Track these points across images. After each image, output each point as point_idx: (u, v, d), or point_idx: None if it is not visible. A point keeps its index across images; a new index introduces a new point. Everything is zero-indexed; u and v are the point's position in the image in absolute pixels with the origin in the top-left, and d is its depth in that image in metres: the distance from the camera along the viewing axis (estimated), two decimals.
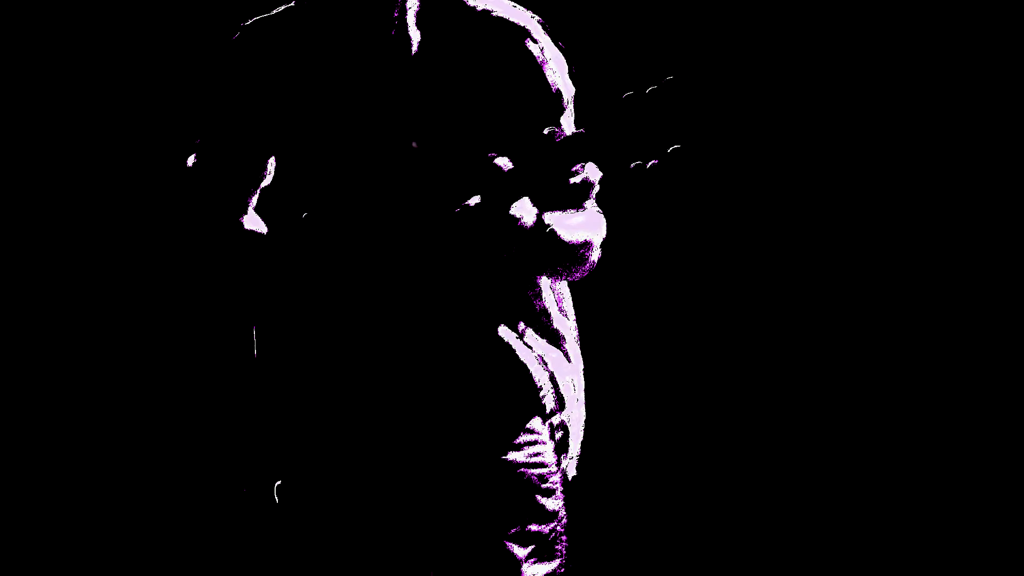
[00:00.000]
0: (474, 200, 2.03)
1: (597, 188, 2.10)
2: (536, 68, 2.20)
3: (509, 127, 2.17)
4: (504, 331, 2.27)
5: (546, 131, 1.99)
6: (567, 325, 2.40)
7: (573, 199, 2.06)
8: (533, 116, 2.16)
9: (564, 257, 2.21)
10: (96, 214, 4.48)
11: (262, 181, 2.35)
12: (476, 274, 2.23)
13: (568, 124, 2.25)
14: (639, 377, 4.45)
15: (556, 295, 2.38)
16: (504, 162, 2.01)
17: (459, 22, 2.21)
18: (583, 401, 2.39)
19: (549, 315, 2.35)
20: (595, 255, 2.27)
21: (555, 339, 2.35)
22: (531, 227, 2.06)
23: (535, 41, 2.22)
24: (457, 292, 2.23)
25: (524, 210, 2.04)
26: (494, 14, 2.21)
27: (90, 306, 4.49)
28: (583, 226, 2.22)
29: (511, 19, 2.22)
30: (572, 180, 2.01)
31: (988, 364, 4.38)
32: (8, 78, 4.43)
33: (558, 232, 2.15)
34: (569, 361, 2.37)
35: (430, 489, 2.23)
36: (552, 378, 2.32)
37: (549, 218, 2.10)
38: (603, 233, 2.28)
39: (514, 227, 2.02)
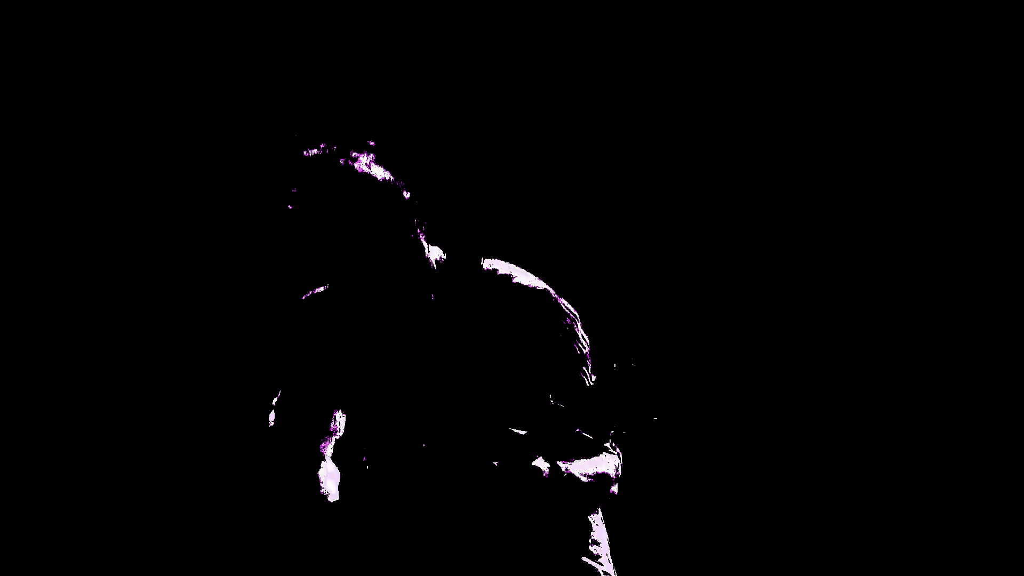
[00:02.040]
0: (495, 460, 2.33)
1: (610, 435, 2.42)
2: (556, 329, 2.48)
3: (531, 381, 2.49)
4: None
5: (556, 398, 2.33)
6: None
7: (590, 447, 2.42)
8: (559, 370, 2.49)
9: (585, 492, 2.44)
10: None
11: (335, 434, 2.63)
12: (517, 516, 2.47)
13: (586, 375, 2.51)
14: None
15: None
16: (520, 429, 2.33)
17: (478, 285, 2.51)
18: None
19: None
20: (614, 487, 2.53)
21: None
22: (548, 476, 2.35)
23: (554, 305, 2.51)
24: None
25: (540, 464, 2.34)
26: (514, 280, 2.51)
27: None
28: (597, 464, 2.47)
29: (530, 284, 2.51)
30: (586, 433, 2.35)
31: (988, 364, 4.39)
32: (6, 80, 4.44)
33: (576, 475, 2.41)
34: None
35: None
36: None
37: (566, 466, 2.39)
38: (618, 466, 2.54)
39: (535, 479, 2.33)
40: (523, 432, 2.31)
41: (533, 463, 2.31)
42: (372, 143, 2.45)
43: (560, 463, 2.38)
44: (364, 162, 2.42)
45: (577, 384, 2.45)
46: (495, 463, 2.31)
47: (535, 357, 2.46)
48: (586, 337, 2.52)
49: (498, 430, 2.34)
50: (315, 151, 2.42)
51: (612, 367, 2.26)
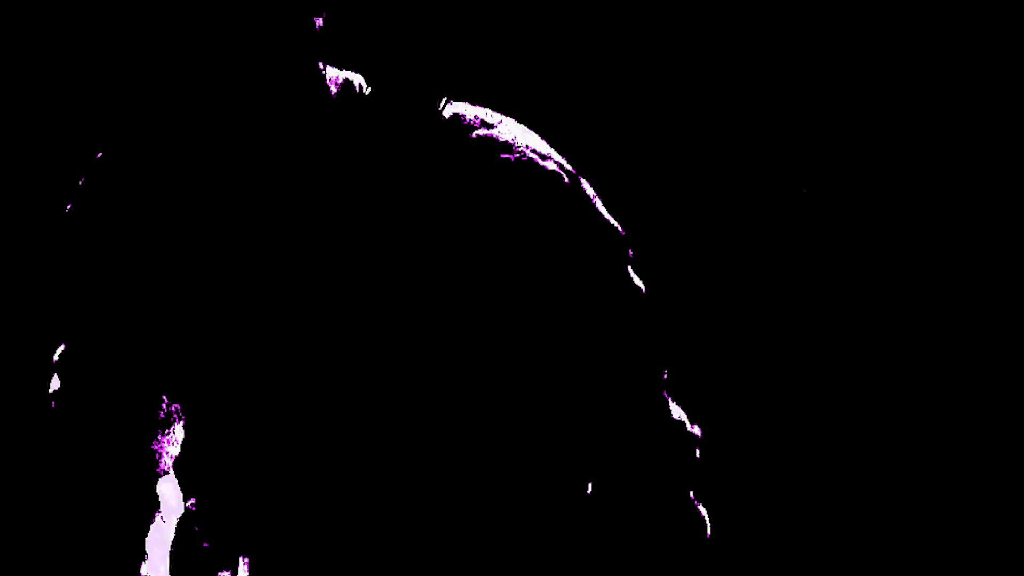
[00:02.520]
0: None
1: None
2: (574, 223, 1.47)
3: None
4: None
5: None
6: None
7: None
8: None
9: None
10: None
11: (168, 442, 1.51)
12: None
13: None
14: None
15: None
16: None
17: (444, 143, 1.44)
18: None
19: None
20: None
21: None
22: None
23: (572, 187, 1.48)
24: None
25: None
26: (500, 138, 1.44)
27: None
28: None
29: (528, 147, 1.46)
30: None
31: (988, 364, 4.38)
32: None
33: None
34: None
35: None
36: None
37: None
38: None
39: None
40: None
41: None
42: None
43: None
44: None
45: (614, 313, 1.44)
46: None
47: (541, 275, 1.42)
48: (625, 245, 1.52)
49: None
50: None
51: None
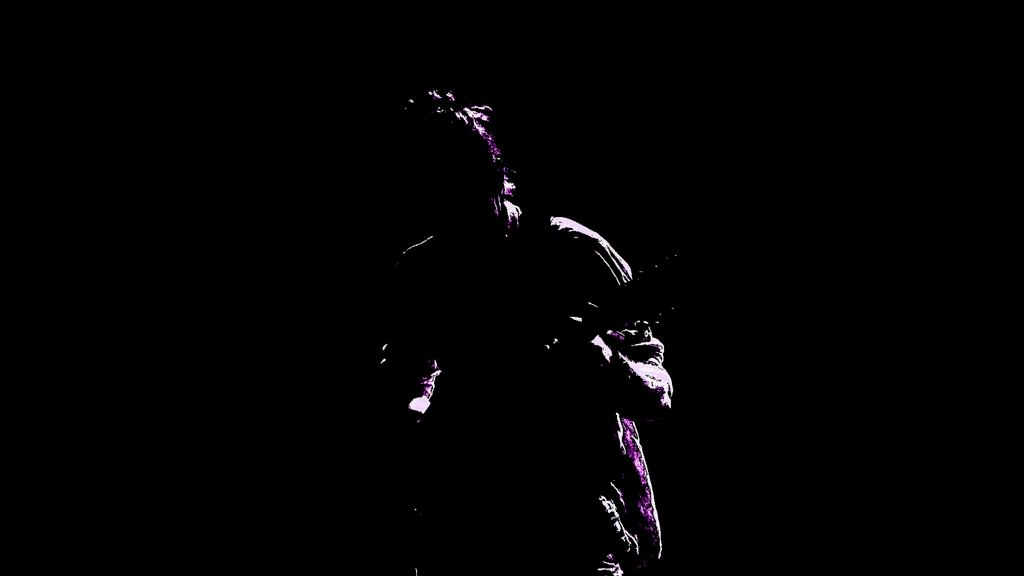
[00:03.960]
0: (556, 340, 2.70)
1: (662, 351, 2.85)
2: (603, 266, 2.91)
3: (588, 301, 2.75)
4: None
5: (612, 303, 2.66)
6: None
7: (642, 355, 2.81)
8: (602, 296, 2.76)
9: (639, 394, 2.77)
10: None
11: (433, 372, 3.09)
12: (569, 406, 2.82)
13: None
14: None
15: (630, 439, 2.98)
16: (579, 319, 2.68)
17: (550, 237, 2.94)
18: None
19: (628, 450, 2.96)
20: (666, 399, 2.83)
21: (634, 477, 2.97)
22: (610, 359, 2.68)
23: (601, 249, 2.94)
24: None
25: (602, 344, 2.68)
26: (572, 231, 2.93)
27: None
28: (653, 373, 2.82)
29: (585, 234, 2.95)
30: (641, 342, 2.82)
31: (988, 365, 4.39)
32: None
33: (632, 368, 2.75)
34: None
35: None
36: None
37: (624, 358, 2.74)
38: (670, 383, 2.86)
39: (596, 356, 2.67)
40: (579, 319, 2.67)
41: (592, 341, 2.66)
42: (488, 107, 2.83)
43: (620, 354, 2.72)
44: (473, 116, 2.82)
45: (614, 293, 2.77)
46: (552, 343, 2.68)
47: (587, 286, 2.84)
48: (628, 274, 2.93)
49: (555, 324, 2.70)
50: (435, 95, 2.81)
51: (639, 271, 2.62)
